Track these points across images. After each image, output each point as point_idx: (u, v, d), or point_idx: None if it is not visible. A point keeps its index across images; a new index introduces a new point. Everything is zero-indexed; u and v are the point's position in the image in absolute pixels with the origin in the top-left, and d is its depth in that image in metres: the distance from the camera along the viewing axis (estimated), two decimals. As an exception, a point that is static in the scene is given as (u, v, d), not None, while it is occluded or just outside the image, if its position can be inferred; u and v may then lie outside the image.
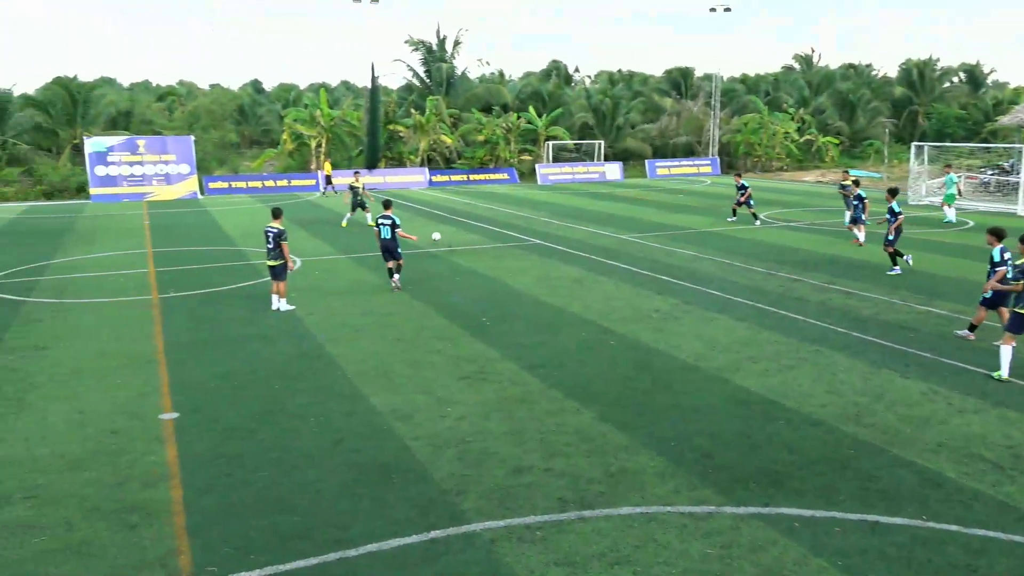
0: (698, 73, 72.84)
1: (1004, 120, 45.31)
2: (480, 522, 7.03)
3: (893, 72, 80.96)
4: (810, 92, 70.58)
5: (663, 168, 52.47)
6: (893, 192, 18.49)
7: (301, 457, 8.41)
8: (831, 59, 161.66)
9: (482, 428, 9.18)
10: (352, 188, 27.87)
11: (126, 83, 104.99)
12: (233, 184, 42.93)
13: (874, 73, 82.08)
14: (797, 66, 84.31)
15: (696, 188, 43.32)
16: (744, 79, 78.37)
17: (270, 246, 14.72)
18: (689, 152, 57.85)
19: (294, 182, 43.86)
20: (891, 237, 18.06)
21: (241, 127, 76.90)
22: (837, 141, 60.76)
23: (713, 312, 14.67)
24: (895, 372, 11.11)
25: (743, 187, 27.54)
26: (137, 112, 59.12)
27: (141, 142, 40.63)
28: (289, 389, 10.57)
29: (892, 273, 17.91)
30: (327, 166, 42.33)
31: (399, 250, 16.61)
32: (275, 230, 14.69)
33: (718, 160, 54.84)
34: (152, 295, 16.52)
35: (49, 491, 7.65)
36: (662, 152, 58.07)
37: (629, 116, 59.81)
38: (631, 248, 22.27)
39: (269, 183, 43.37)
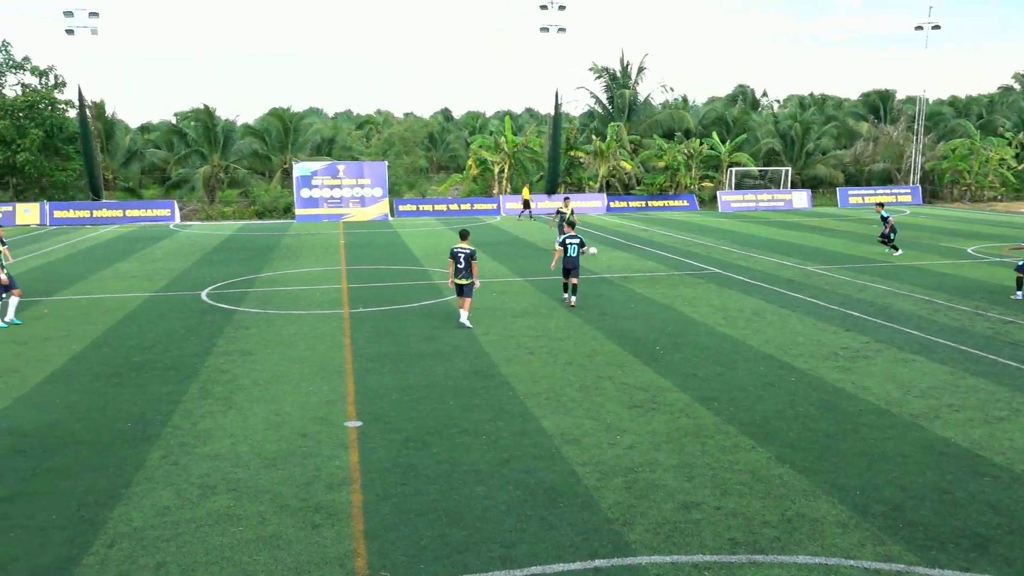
0: (900, 95, 68.17)
1: None
2: (646, 556, 6.88)
3: None
4: (1032, 115, 63.90)
5: (856, 196, 49.42)
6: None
7: (471, 473, 8.65)
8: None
9: (651, 459, 9.01)
10: (559, 213, 27.77)
11: (331, 112, 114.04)
12: (420, 207, 45.28)
13: (1113, 93, 73.12)
14: (1017, 86, 76.70)
15: (893, 219, 40.30)
16: (953, 101, 72.40)
17: (460, 266, 15.60)
18: (887, 180, 54.09)
19: (476, 206, 45.54)
20: None
21: (430, 153, 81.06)
22: (1065, 169, 54.49)
23: (909, 353, 13.56)
24: None
25: (885, 219, 26.84)
26: (339, 139, 64.07)
27: (341, 167, 43.84)
28: (463, 406, 10.92)
29: None
30: (526, 191, 43.50)
31: (578, 269, 17.67)
32: (467, 251, 15.67)
33: (920, 189, 50.82)
34: (344, 309, 17.71)
35: (248, 486, 8.37)
36: (856, 180, 54.74)
37: (820, 141, 56.96)
38: (817, 280, 21.10)
39: (453, 206, 45.33)
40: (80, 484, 8.40)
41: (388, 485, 8.35)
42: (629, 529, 7.36)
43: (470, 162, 51.66)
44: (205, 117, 51.26)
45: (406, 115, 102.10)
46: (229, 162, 50.95)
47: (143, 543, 7.15)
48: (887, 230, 26.59)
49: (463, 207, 45.36)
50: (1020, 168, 52.22)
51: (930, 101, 63.56)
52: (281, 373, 12.58)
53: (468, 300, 15.79)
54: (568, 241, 17.60)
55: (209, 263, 25.65)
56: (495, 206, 45.38)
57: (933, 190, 52.95)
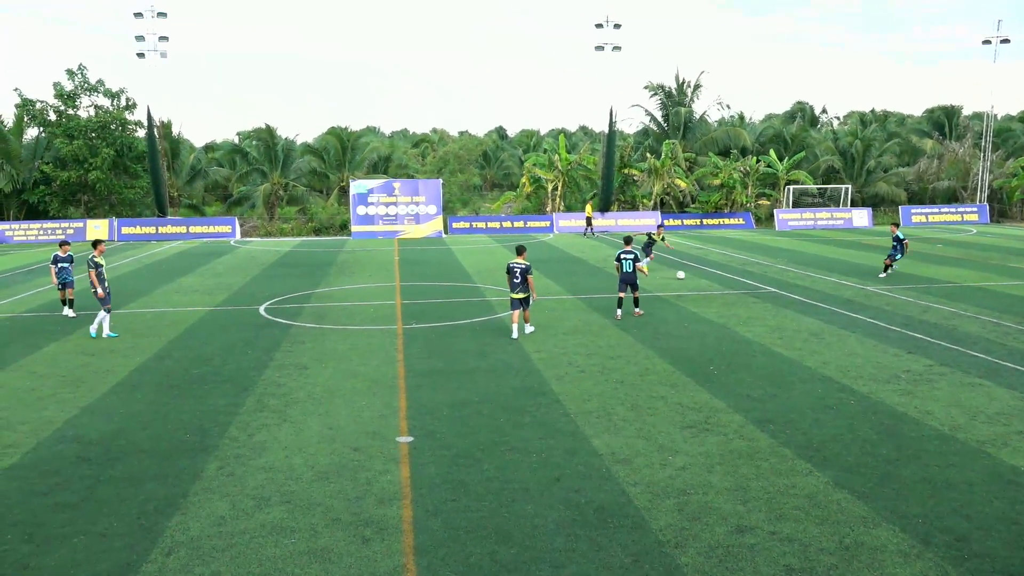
0: (966, 111, 66.27)
1: None
2: (697, 579, 6.75)
3: None
4: (1109, 130, 61.45)
5: (919, 215, 48.07)
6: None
7: (521, 490, 8.62)
8: None
9: (704, 481, 8.86)
10: (650, 238, 26.64)
11: (387, 131, 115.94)
12: (474, 224, 45.60)
13: None
14: (1092, 101, 73.98)
15: (959, 237, 39.14)
16: (1023, 117, 70.01)
17: (517, 280, 16.09)
18: (952, 198, 52.53)
19: (530, 223, 45.67)
20: None
21: (484, 171, 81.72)
22: None
23: (975, 377, 13.08)
24: None
25: (900, 240, 25.05)
26: (395, 157, 65.05)
27: (397, 185, 44.49)
28: (513, 423, 10.91)
29: None
30: (588, 208, 43.68)
31: (637, 282, 18.31)
32: (522, 266, 16.16)
33: (987, 207, 49.18)
34: (397, 325, 17.90)
35: (300, 498, 8.49)
36: (919, 198, 53.31)
37: (882, 159, 55.66)
38: (878, 301, 20.54)
39: (507, 224, 45.53)
40: (141, 492, 8.64)
41: (438, 501, 8.37)
42: (681, 552, 7.23)
43: (524, 179, 51.89)
44: (266, 136, 52.66)
45: (461, 133, 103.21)
46: (288, 180, 52.19)
47: (199, 552, 7.30)
48: (897, 253, 25.04)
49: (516, 224, 45.53)
50: (1095, 186, 50.15)
51: (999, 117, 61.66)
52: (335, 387, 12.76)
53: (527, 312, 16.50)
54: (623, 256, 18.09)
55: (267, 278, 26.24)
56: (548, 223, 45.44)
57: (1001, 209, 51.20)
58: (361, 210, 43.44)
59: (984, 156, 50.45)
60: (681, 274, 19.76)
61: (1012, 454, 9.58)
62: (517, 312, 16.30)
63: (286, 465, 9.42)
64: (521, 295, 16.18)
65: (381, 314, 19.37)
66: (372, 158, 61.27)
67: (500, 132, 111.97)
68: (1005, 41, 48.04)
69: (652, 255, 26.42)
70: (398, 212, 43.60)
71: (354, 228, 43.45)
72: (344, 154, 55.02)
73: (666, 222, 45.57)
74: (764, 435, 10.32)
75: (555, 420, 11.02)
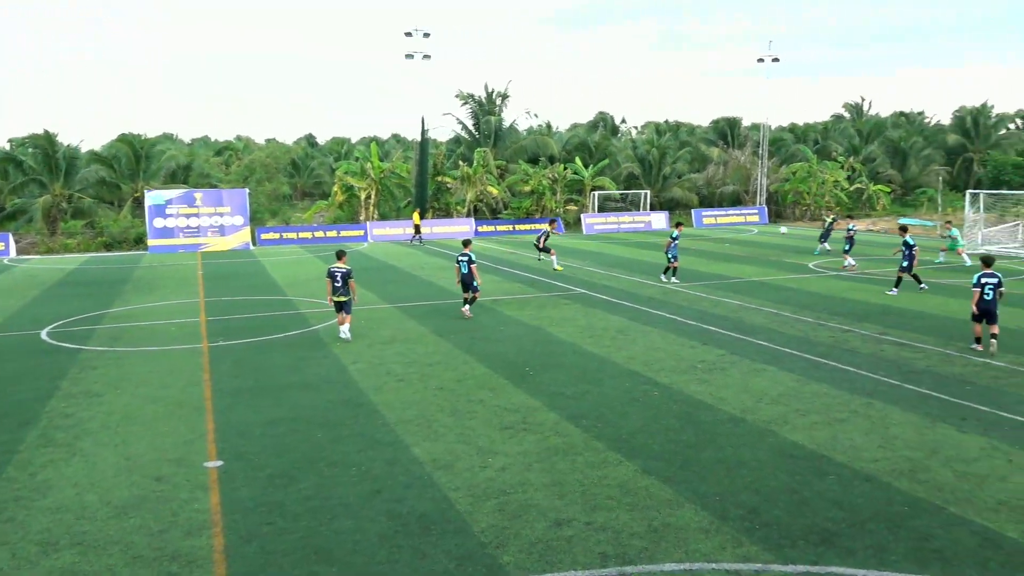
0: (745, 123, 72.88)
1: (1063, 166, 44.04)
2: (519, 575, 6.91)
3: (947, 119, 79.91)
4: (860, 140, 69.88)
5: (709, 217, 52.18)
6: (904, 228, 18.91)
7: (341, 506, 8.41)
8: (882, 107, 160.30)
9: (523, 479, 9.08)
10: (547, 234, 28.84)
11: (187, 139, 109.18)
12: (284, 235, 43.98)
13: (927, 121, 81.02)
14: (847, 115, 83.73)
15: (743, 237, 42.94)
16: (792, 128, 78.08)
17: (338, 284, 16.66)
18: (736, 201, 57.49)
19: (343, 232, 44.72)
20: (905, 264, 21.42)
21: (294, 180, 79.11)
22: (888, 189, 59.82)
23: (761, 363, 14.40)
24: (951, 426, 10.71)
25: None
26: (196, 166, 61.29)
27: (198, 195, 41.98)
28: (331, 437, 10.63)
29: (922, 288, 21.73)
30: (416, 216, 43.31)
31: (475, 283, 19.13)
32: (343, 270, 16.75)
33: (766, 209, 54.34)
34: (202, 343, 16.88)
35: (95, 538, 7.76)
36: (709, 201, 57.83)
37: (676, 166, 59.87)
38: (676, 298, 22.08)
39: (319, 234, 44.32)
40: None
41: (252, 526, 7.98)
42: (503, 551, 7.36)
43: (336, 188, 50.76)
44: (44, 143, 47.73)
45: (268, 141, 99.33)
46: (73, 191, 47.64)
47: (-28, 610, 6.48)
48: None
49: (329, 234, 44.43)
50: (852, 189, 56.89)
51: (772, 128, 68.29)
52: (133, 414, 11.81)
53: (348, 316, 16.85)
54: (460, 259, 19.24)
55: (50, 299, 23.83)
56: (362, 232, 44.77)
57: (778, 210, 56.69)
58: (159, 222, 40.56)
59: (761, 163, 55.72)
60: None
61: (792, 431, 10.64)
62: (341, 315, 16.86)
63: (77, 503, 8.58)
64: (343, 298, 16.66)
65: (184, 332, 18.17)
66: (170, 167, 57.31)
67: (310, 140, 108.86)
68: (776, 60, 53.46)
69: (553, 252, 28.20)
70: (200, 224, 41.12)
71: (151, 242, 40.46)
72: (138, 163, 51.04)
73: (479, 228, 46.34)
74: (578, 430, 10.76)
75: (375, 431, 10.86)
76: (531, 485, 8.91)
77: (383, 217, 49.71)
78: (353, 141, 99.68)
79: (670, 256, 24.87)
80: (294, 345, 16.52)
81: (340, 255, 17.18)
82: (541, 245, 28.39)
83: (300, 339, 17.14)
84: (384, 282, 26.31)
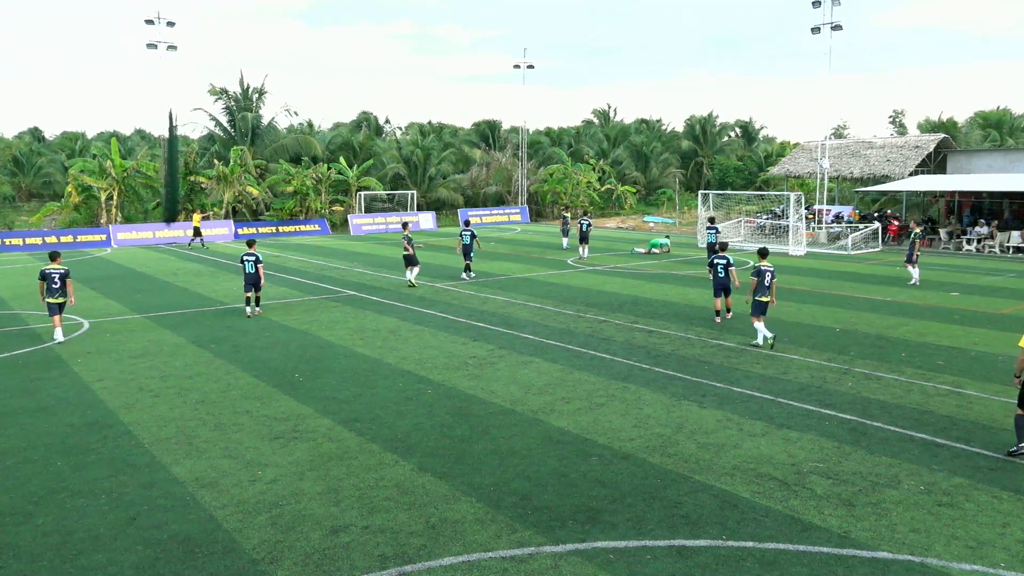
0: (505, 126, 75.81)
1: (774, 170, 50.76)
2: (295, 590, 6.65)
3: (680, 126, 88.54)
4: (608, 144, 75.49)
5: (475, 217, 53.66)
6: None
7: (90, 539, 7.59)
8: (626, 114, 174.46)
9: (296, 489, 8.76)
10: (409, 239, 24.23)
11: None
12: (8, 241, 38.87)
13: (664, 128, 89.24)
14: (596, 120, 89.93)
15: (507, 235, 44.64)
16: (548, 132, 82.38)
17: (56, 285, 16.52)
18: (499, 201, 59.67)
19: (81, 238, 40.33)
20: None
21: (17, 179, 70.24)
22: (634, 190, 65.27)
23: (528, 356, 15.05)
24: (694, 403, 11.91)
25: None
26: None
27: None
28: (74, 464, 9.55)
29: None
30: (196, 218, 39.90)
31: (261, 283, 19.46)
32: (61, 271, 16.67)
33: (527, 208, 56.93)
34: (-96, 369, 14.42)
35: None
36: (473, 201, 59.49)
37: (440, 167, 60.89)
38: (446, 296, 22.45)
39: (51, 239, 39.62)
40: None
41: (-23, 574, 6.95)
42: (277, 566, 7.05)
43: (69, 188, 45.65)
44: None
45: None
46: None
47: None
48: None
49: (64, 239, 39.85)
50: (603, 190, 61.31)
51: (530, 131, 71.64)
52: None
53: (59, 317, 16.63)
54: (245, 258, 19.37)
55: None
56: (104, 237, 40.69)
57: (538, 209, 59.65)
58: None
59: (522, 165, 58.28)
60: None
61: (558, 418, 11.24)
62: (57, 317, 16.60)
63: None
64: (61, 299, 16.61)
65: None
66: None
67: (36, 134, 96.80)
68: (531, 67, 56.16)
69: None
70: None
71: None
72: None
73: (240, 230, 43.99)
74: (352, 434, 10.58)
75: (127, 454, 9.92)
76: (305, 494, 8.62)
77: (128, 220, 45.59)
78: (89, 136, 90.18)
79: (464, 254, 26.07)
80: (25, 365, 14.64)
81: (54, 256, 17.11)
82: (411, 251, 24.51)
83: (32, 357, 15.23)
84: (132, 291, 24.11)
